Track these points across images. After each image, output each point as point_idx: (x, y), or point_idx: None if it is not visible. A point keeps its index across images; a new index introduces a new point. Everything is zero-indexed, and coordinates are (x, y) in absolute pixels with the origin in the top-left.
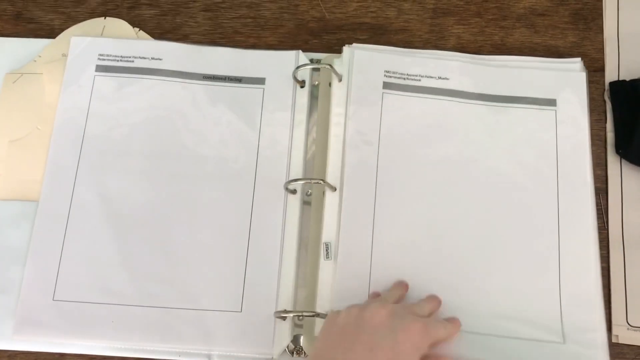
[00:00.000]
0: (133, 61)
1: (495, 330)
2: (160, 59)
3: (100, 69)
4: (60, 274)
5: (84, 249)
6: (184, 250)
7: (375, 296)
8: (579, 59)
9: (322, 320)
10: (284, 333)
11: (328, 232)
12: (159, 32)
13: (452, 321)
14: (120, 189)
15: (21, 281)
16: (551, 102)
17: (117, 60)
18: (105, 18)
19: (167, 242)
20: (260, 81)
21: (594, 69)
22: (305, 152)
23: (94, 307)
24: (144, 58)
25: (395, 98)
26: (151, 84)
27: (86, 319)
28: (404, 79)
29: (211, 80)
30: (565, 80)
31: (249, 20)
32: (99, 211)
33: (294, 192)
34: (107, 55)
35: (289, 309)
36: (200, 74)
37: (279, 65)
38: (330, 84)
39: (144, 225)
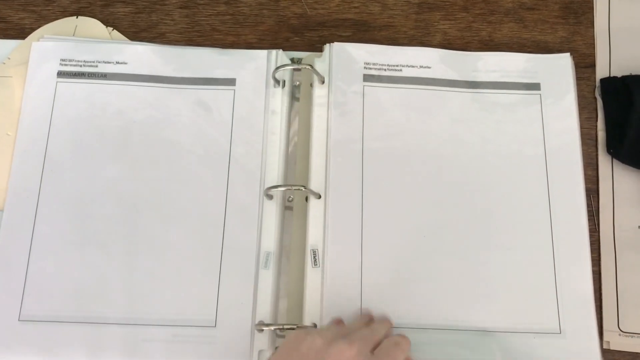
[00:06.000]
0: (97, 66)
1: (489, 327)
2: (125, 63)
3: (63, 75)
4: (26, 292)
5: (51, 263)
6: (154, 262)
7: (361, 323)
8: (567, 54)
9: None
10: (262, 347)
11: (314, 239)
12: (134, 31)
13: (403, 339)
14: (88, 197)
15: None
16: (535, 87)
17: (80, 65)
18: (77, 17)
19: (137, 254)
20: (231, 82)
21: (585, 65)
22: (286, 156)
23: (63, 327)
24: (109, 62)
25: (376, 90)
26: (116, 89)
27: (55, 340)
28: (385, 69)
29: (178, 83)
30: (552, 71)
31: (228, 17)
32: (66, 221)
33: (271, 197)
34: (70, 61)
35: (267, 321)
36: (167, 77)
37: (250, 65)
38: (311, 85)
39: (113, 235)
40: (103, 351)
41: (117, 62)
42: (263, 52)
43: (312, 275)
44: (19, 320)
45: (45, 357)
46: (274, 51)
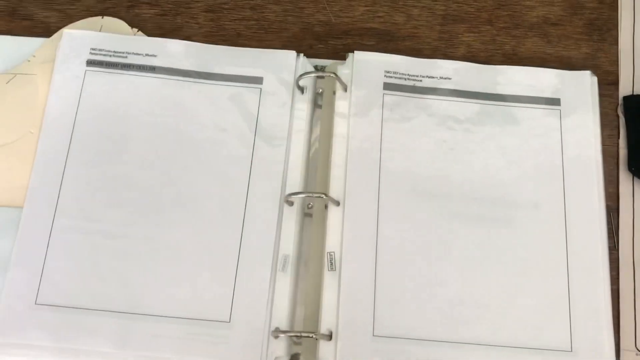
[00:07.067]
0: (126, 57)
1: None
2: (154, 56)
3: (92, 63)
4: (43, 278)
5: (69, 255)
6: (171, 257)
7: None
8: (588, 72)
9: (324, 342)
10: (279, 353)
11: (331, 245)
12: (159, 33)
13: None
14: (109, 191)
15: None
16: (555, 102)
17: (110, 55)
18: (102, 17)
19: (155, 247)
20: (258, 80)
21: (608, 82)
22: (307, 162)
23: (78, 313)
24: (138, 54)
25: (394, 99)
26: (144, 81)
27: (69, 327)
28: (405, 79)
29: (206, 79)
30: (572, 86)
31: (252, 22)
32: (85, 218)
33: (291, 204)
34: (100, 50)
35: (284, 327)
36: (195, 72)
37: (278, 64)
38: (334, 93)
39: (132, 230)
40: (116, 341)
41: (147, 55)
42: (292, 53)
43: (328, 279)
44: (35, 304)
45: (58, 342)
46: (300, 56)
